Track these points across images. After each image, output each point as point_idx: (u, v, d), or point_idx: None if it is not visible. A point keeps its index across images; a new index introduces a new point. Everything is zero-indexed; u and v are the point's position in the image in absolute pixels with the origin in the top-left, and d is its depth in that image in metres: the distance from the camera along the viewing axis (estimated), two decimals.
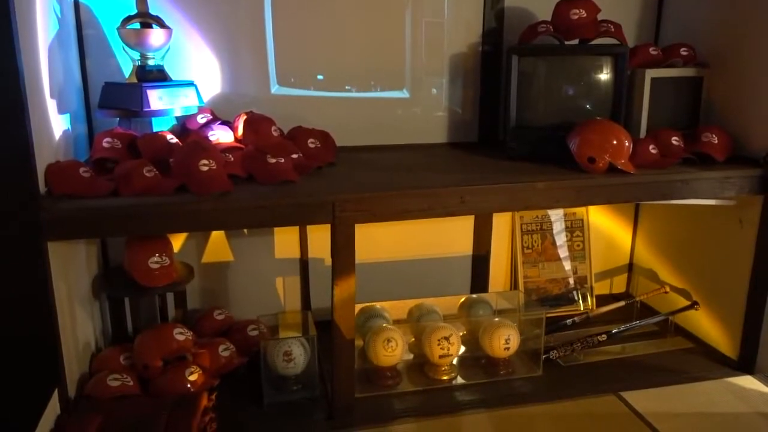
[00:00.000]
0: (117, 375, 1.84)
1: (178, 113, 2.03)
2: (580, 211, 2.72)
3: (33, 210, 1.58)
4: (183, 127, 2.15)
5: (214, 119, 2.16)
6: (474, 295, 2.46)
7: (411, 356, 2.25)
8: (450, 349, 2.11)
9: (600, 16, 2.26)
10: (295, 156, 1.99)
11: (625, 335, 2.39)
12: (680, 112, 2.32)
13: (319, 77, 2.37)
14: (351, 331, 1.88)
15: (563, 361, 2.28)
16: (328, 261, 1.89)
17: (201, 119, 2.14)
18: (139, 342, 1.93)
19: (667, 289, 2.57)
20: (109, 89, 2.01)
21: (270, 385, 2.03)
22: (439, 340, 2.10)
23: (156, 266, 1.96)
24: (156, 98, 1.95)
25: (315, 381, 2.07)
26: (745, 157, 2.17)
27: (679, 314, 2.46)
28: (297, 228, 2.45)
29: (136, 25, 1.99)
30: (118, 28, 1.97)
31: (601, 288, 2.84)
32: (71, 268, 1.89)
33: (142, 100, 1.93)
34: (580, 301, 2.70)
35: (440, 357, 2.11)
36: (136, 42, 1.98)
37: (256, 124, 2.07)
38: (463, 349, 2.24)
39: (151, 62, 2.01)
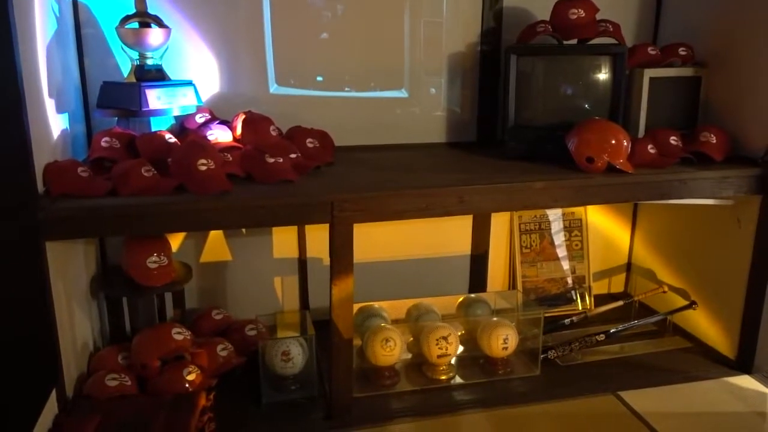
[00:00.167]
0: (115, 375, 1.84)
1: (177, 113, 2.03)
2: (578, 210, 2.72)
3: (31, 209, 1.58)
4: (181, 126, 2.15)
5: (213, 119, 2.17)
6: (472, 295, 2.46)
7: (409, 356, 2.25)
8: (448, 348, 2.11)
9: (598, 16, 2.26)
10: (293, 156, 1.99)
11: (624, 335, 2.39)
12: (678, 112, 2.32)
13: (319, 78, 2.37)
14: (349, 330, 1.88)
15: (561, 361, 2.28)
16: (327, 261, 1.89)
17: (199, 119, 2.14)
18: (137, 342, 1.93)
19: (665, 288, 2.58)
20: (107, 89, 2.00)
21: (268, 384, 2.03)
22: (437, 340, 2.10)
23: (154, 266, 1.96)
24: (154, 98, 1.95)
25: (313, 381, 2.07)
26: (743, 157, 2.18)
27: (678, 314, 2.46)
28: (295, 228, 2.45)
29: (135, 25, 1.99)
30: (116, 28, 1.97)
31: (600, 288, 2.84)
32: (69, 268, 1.89)
33: (141, 99, 1.92)
34: (579, 300, 2.71)
35: (438, 357, 2.11)
36: (135, 41, 1.98)
37: (254, 123, 2.07)
38: (461, 348, 2.25)
39: (149, 62, 2.01)
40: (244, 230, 2.42)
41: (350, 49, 2.38)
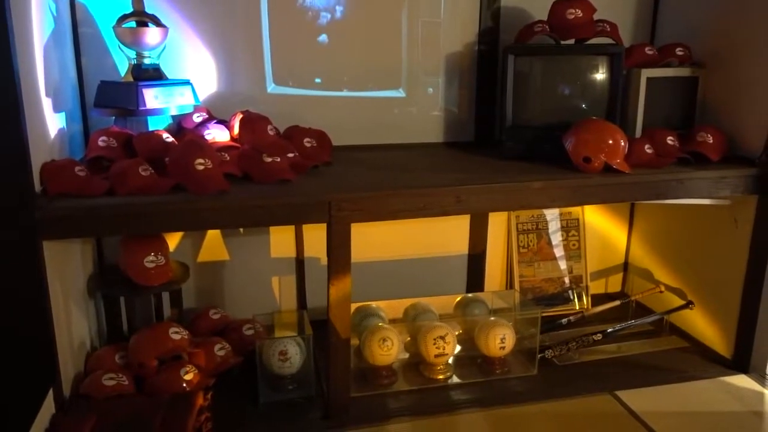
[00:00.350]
0: (112, 374, 1.84)
1: (174, 112, 2.03)
2: (575, 210, 2.73)
3: (28, 209, 1.57)
4: (179, 126, 2.15)
5: (210, 118, 2.16)
6: (470, 295, 2.46)
7: (407, 355, 2.25)
8: (446, 348, 2.11)
9: (596, 16, 2.26)
10: (291, 155, 1.98)
11: (621, 334, 2.39)
12: (676, 112, 2.33)
13: (317, 80, 2.37)
14: (347, 330, 1.89)
15: (558, 361, 2.28)
16: (324, 260, 1.89)
17: (197, 118, 2.14)
18: (134, 341, 1.93)
19: (662, 288, 2.58)
20: (104, 88, 2.00)
21: (266, 384, 2.03)
22: (434, 340, 2.10)
23: (151, 265, 1.95)
24: (152, 97, 1.95)
25: (311, 380, 2.07)
26: (739, 157, 2.18)
27: (674, 313, 2.47)
28: (293, 227, 2.45)
29: (132, 24, 1.99)
30: (113, 27, 1.97)
31: (597, 287, 2.85)
32: (66, 267, 1.88)
33: (138, 98, 1.92)
34: (576, 300, 2.71)
35: (436, 356, 2.11)
36: (132, 40, 1.98)
37: (252, 123, 2.07)
38: (458, 348, 2.25)
39: (146, 61, 2.01)
40: (241, 230, 2.42)
41: (348, 49, 2.38)
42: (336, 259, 1.81)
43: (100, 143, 1.89)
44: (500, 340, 2.15)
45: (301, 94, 2.36)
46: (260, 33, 2.27)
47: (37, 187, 1.65)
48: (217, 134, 2.08)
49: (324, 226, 1.81)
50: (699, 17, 2.38)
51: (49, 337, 1.68)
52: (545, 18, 2.29)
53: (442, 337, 2.10)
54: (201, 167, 1.75)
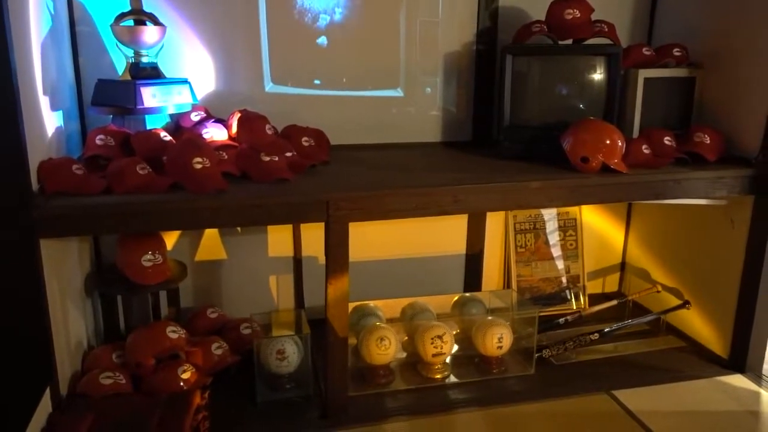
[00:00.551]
0: (109, 373, 1.83)
1: (172, 111, 2.03)
2: (573, 210, 2.73)
3: (26, 207, 1.57)
4: (177, 124, 2.15)
5: (208, 117, 2.16)
6: (467, 294, 2.46)
7: (404, 355, 2.25)
8: (443, 347, 2.11)
9: (594, 16, 2.27)
10: (289, 154, 1.98)
11: (617, 334, 2.40)
12: (673, 112, 2.33)
13: (315, 80, 2.37)
14: (344, 329, 1.89)
15: (556, 360, 2.29)
16: (322, 259, 1.89)
17: (195, 117, 2.14)
18: (131, 340, 1.93)
19: (659, 288, 2.59)
20: (102, 86, 2.00)
21: (263, 383, 2.03)
22: (432, 339, 2.10)
23: (149, 264, 1.96)
24: (150, 95, 1.95)
25: (308, 379, 2.07)
26: (736, 157, 2.19)
27: (671, 313, 2.48)
28: (291, 226, 2.45)
29: (130, 22, 1.98)
30: (111, 25, 1.97)
31: (594, 287, 2.85)
32: (64, 266, 1.88)
33: (136, 97, 1.92)
34: (573, 300, 2.72)
35: (433, 355, 2.12)
36: (130, 39, 1.97)
37: (250, 122, 2.07)
38: (456, 347, 2.25)
39: (144, 59, 2.01)
40: (239, 229, 2.42)
41: (346, 48, 2.38)
42: (334, 258, 1.81)
43: (98, 142, 1.89)
44: (497, 340, 2.15)
45: (299, 94, 2.36)
46: (258, 32, 2.27)
47: (35, 185, 1.65)
48: (215, 133, 2.08)
49: (322, 225, 1.81)
50: (696, 18, 2.39)
51: (46, 335, 1.68)
52: (543, 18, 2.30)
53: (440, 337, 2.10)
54: (199, 166, 1.75)
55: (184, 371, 1.87)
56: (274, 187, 1.81)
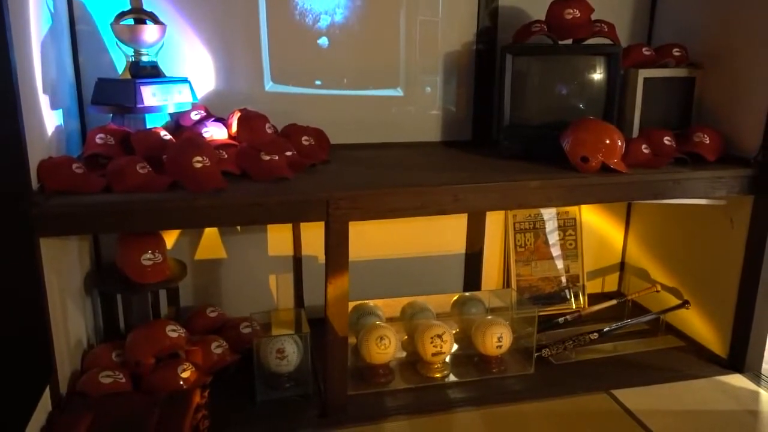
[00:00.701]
0: (109, 372, 1.83)
1: (172, 110, 2.03)
2: (572, 210, 2.73)
3: (25, 206, 1.57)
4: (176, 123, 2.15)
5: (208, 116, 2.16)
6: (467, 293, 2.46)
7: (404, 354, 2.26)
8: (443, 346, 2.11)
9: (593, 16, 2.27)
10: (289, 153, 1.98)
11: (617, 334, 2.40)
12: (672, 112, 2.33)
13: (315, 79, 2.36)
14: (344, 328, 1.89)
15: (555, 359, 2.29)
16: (322, 258, 1.89)
17: (195, 116, 2.14)
18: (131, 339, 1.93)
19: (658, 288, 2.59)
20: (102, 85, 2.00)
21: (263, 382, 2.03)
22: (431, 338, 2.10)
23: (149, 263, 1.96)
24: (149, 94, 1.95)
25: (308, 378, 2.07)
26: (736, 157, 2.19)
27: (670, 313, 2.48)
28: (290, 225, 2.45)
29: (130, 21, 1.98)
30: (111, 24, 1.97)
31: (593, 287, 2.85)
32: (63, 265, 1.88)
33: (136, 96, 1.92)
34: (572, 299, 2.72)
35: (433, 355, 2.12)
36: (130, 38, 1.97)
37: (250, 121, 2.07)
38: (455, 347, 2.25)
39: (144, 58, 2.01)
40: (239, 228, 2.42)
41: (346, 47, 2.38)
42: (333, 257, 1.81)
43: (98, 140, 1.89)
44: (497, 339, 2.16)
45: (299, 93, 2.36)
46: (258, 31, 2.27)
47: (35, 184, 1.65)
48: (215, 132, 2.08)
49: (322, 224, 1.81)
50: (696, 18, 2.39)
51: (45, 334, 1.68)
52: (543, 18, 2.30)
53: (439, 336, 2.10)
54: (199, 165, 1.75)
55: (184, 370, 1.87)
56: (273, 186, 1.81)
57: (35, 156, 1.66)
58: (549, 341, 2.32)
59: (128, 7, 1.99)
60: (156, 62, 2.04)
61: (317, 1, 2.30)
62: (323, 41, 2.34)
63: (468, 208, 2.07)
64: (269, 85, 2.33)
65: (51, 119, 1.83)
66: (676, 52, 2.31)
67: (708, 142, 2.18)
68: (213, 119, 2.13)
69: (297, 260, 2.50)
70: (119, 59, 2.08)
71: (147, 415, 1.69)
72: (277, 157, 1.89)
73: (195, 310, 2.30)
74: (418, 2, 2.40)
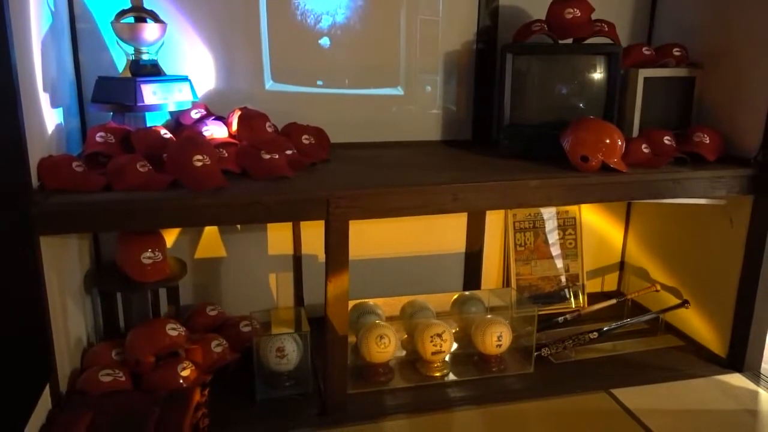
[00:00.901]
0: (109, 370, 1.84)
1: (172, 108, 2.03)
2: (572, 209, 2.73)
3: (25, 204, 1.57)
4: (177, 122, 2.14)
5: (208, 114, 2.16)
6: (466, 293, 2.46)
7: (403, 353, 2.26)
8: (442, 345, 2.11)
9: (594, 16, 2.27)
10: (289, 152, 1.98)
11: (616, 333, 2.40)
12: (672, 112, 2.33)
13: (315, 78, 2.36)
14: (344, 327, 1.89)
15: (555, 358, 2.29)
16: (322, 257, 1.89)
17: (195, 114, 2.14)
18: (131, 337, 1.93)
19: (658, 287, 2.59)
20: (102, 83, 2.00)
21: (262, 381, 2.03)
22: (431, 337, 2.10)
23: (148, 262, 1.96)
24: (150, 93, 1.95)
25: (308, 377, 2.07)
26: (735, 157, 2.19)
27: (670, 312, 2.48)
28: (290, 224, 2.45)
29: (131, 20, 1.98)
30: (112, 22, 1.97)
31: (593, 286, 2.86)
32: (63, 263, 1.88)
33: (136, 94, 1.92)
34: (572, 298, 2.72)
35: (432, 354, 2.12)
36: (130, 36, 1.97)
37: (250, 119, 2.07)
38: (455, 345, 2.25)
39: (145, 57, 2.01)
40: (239, 226, 2.42)
41: (346, 46, 2.38)
42: (333, 256, 1.82)
43: (98, 139, 1.89)
44: (497, 338, 2.16)
45: (299, 92, 2.36)
46: (259, 30, 2.27)
47: (35, 182, 1.65)
48: (215, 131, 2.08)
49: (322, 223, 1.81)
50: (696, 18, 2.39)
51: (45, 332, 1.68)
52: (543, 17, 2.30)
53: (439, 335, 2.11)
54: (199, 164, 1.75)
55: (184, 369, 1.87)
56: (274, 185, 1.81)
57: (35, 154, 1.66)
58: (549, 340, 2.33)
59: (129, 5, 1.99)
60: (156, 61, 2.04)
61: (318, 1, 2.30)
62: (324, 41, 2.34)
63: (468, 207, 2.07)
64: (269, 84, 2.33)
65: (51, 117, 1.83)
66: (676, 51, 2.32)
67: (708, 141, 2.18)
68: (213, 118, 2.13)
69: (297, 259, 2.50)
70: (119, 57, 2.08)
71: (147, 413, 1.69)
72: (277, 156, 1.89)
73: (195, 309, 2.30)
74: (418, 1, 2.40)
